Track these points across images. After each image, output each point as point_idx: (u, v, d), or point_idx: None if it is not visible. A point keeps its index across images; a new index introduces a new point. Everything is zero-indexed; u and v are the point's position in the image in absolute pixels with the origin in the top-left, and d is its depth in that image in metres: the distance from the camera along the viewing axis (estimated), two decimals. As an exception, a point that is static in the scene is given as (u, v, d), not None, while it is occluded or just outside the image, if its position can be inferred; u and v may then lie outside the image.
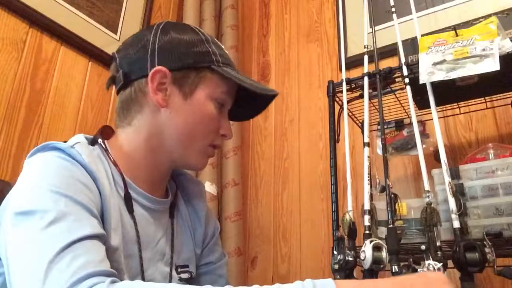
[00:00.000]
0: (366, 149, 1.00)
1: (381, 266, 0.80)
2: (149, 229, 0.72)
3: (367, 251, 0.80)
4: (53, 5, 1.42)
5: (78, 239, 0.52)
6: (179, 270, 0.76)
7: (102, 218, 0.62)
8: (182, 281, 0.76)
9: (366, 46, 1.20)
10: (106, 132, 0.74)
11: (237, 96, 0.79)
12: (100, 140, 0.71)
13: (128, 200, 0.69)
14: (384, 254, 0.80)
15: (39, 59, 1.37)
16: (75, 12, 1.51)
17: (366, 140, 1.03)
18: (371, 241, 0.81)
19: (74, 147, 0.64)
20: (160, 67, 0.70)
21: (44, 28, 1.39)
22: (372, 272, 0.83)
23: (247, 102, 0.81)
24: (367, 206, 0.91)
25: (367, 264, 0.79)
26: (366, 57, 1.17)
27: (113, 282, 0.50)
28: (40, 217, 0.53)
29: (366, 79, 1.13)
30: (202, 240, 0.85)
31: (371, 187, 0.99)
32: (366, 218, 0.89)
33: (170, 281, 0.72)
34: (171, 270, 0.73)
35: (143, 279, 0.66)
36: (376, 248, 0.80)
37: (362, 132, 1.49)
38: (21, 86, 1.30)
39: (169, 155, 0.74)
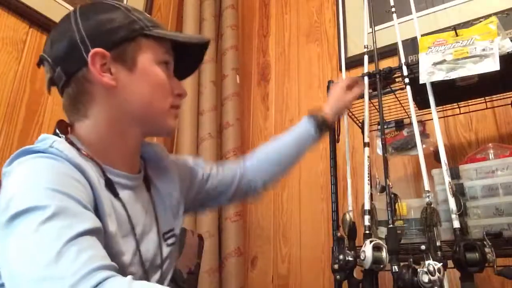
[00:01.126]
0: (366, 149, 1.00)
1: (381, 266, 0.80)
2: (135, 206, 0.73)
3: (367, 251, 0.80)
4: (53, 5, 1.42)
5: (80, 233, 0.52)
6: (165, 236, 0.78)
7: (97, 208, 0.62)
8: (170, 246, 0.78)
9: (366, 46, 1.20)
10: (64, 126, 0.72)
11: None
12: (61, 135, 0.69)
13: (110, 185, 0.68)
14: (384, 254, 0.80)
15: (39, 59, 1.37)
16: (75, 12, 1.51)
17: (366, 140, 1.03)
18: (371, 241, 0.81)
19: (53, 146, 0.63)
20: (95, 49, 0.68)
21: (44, 28, 1.39)
22: (372, 272, 0.83)
23: (183, 58, 0.80)
24: (367, 206, 0.91)
25: (367, 264, 0.79)
26: (366, 57, 1.17)
27: (132, 279, 0.50)
28: (40, 213, 0.52)
29: (366, 79, 1.13)
30: (186, 191, 0.88)
31: (371, 187, 0.98)
32: (366, 218, 0.89)
33: (160, 249, 0.75)
34: (159, 239, 0.75)
35: (140, 254, 0.68)
36: (376, 248, 0.80)
37: (362, 132, 1.48)
38: (21, 86, 1.30)
39: (138, 130, 0.74)
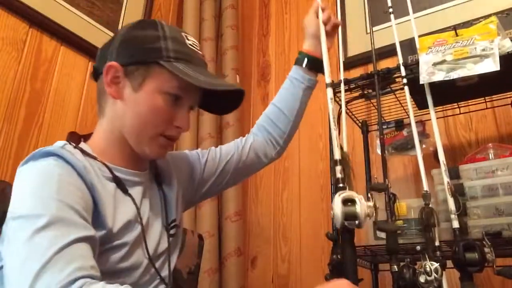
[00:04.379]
0: (329, 90, 0.87)
1: (356, 222, 0.66)
2: (143, 200, 0.79)
3: (335, 206, 0.66)
4: (53, 5, 1.43)
5: (71, 241, 0.57)
6: (168, 227, 0.83)
7: (97, 209, 0.68)
8: (171, 237, 0.83)
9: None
10: (75, 137, 0.80)
11: (211, 91, 0.80)
12: (71, 143, 0.76)
13: (119, 183, 0.75)
14: (358, 208, 0.66)
15: (39, 59, 1.37)
16: (75, 12, 1.51)
17: (328, 80, 0.89)
18: (340, 194, 0.67)
19: (64, 147, 0.70)
20: (112, 62, 0.76)
21: (44, 28, 1.39)
22: (347, 232, 0.70)
23: (223, 97, 0.84)
24: (337, 156, 0.78)
25: (337, 222, 0.67)
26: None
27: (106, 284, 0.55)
28: (35, 222, 0.57)
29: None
30: (186, 183, 0.92)
31: (339, 132, 0.90)
32: (337, 169, 0.75)
33: (166, 238, 0.81)
34: (164, 229, 0.82)
35: (145, 242, 0.74)
36: (348, 202, 0.67)
37: (362, 132, 1.49)
38: (21, 86, 1.30)
39: (130, 142, 0.79)
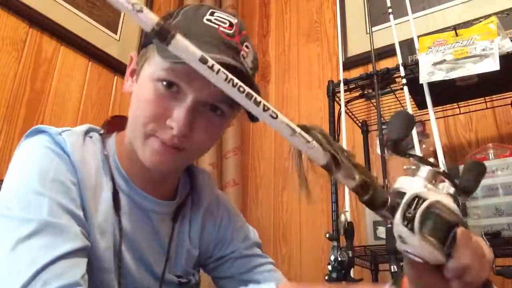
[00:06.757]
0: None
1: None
2: (139, 229, 0.65)
3: None
4: (53, 5, 1.42)
5: (53, 259, 0.49)
6: (168, 277, 0.70)
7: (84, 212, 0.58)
8: (182, 285, 0.71)
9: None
10: (114, 123, 0.69)
11: None
12: (100, 132, 0.66)
13: (115, 197, 0.62)
14: None
15: (39, 59, 1.37)
16: (75, 12, 1.51)
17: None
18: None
19: (61, 134, 0.60)
20: (132, 52, 0.68)
21: (44, 28, 1.39)
22: None
23: None
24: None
25: None
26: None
27: None
28: (19, 227, 0.50)
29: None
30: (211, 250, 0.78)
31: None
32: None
33: (161, 283, 0.67)
34: (163, 274, 0.68)
35: (119, 275, 0.62)
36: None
37: (362, 132, 1.49)
38: (21, 86, 1.30)
39: None
